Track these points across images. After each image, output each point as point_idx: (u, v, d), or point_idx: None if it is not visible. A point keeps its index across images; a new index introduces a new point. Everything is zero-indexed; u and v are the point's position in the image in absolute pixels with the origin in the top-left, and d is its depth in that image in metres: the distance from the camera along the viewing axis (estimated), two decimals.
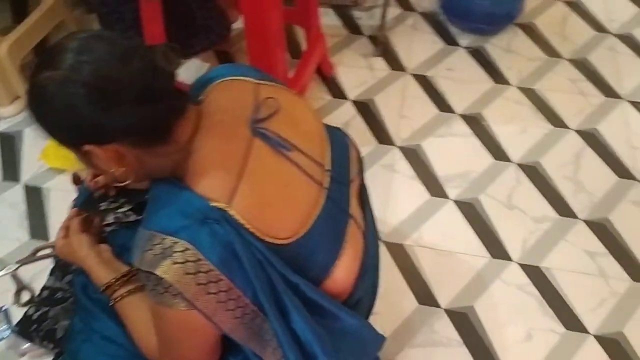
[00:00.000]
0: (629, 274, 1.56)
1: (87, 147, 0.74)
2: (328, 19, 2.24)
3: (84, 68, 0.69)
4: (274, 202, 0.82)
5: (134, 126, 0.73)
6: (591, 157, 1.83)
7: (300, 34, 2.04)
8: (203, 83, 0.92)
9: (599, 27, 2.25)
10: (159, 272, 0.73)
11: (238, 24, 1.98)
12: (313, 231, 0.85)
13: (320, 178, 0.89)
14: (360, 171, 1.06)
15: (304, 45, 1.99)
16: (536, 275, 1.56)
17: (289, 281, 0.82)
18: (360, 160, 1.06)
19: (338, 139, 1.01)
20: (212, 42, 1.81)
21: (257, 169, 0.81)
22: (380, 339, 1.03)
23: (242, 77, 0.92)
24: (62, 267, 1.21)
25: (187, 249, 0.73)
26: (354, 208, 0.98)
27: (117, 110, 0.71)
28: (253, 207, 0.79)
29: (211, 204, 0.75)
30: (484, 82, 2.04)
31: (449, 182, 1.76)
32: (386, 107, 1.96)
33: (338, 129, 1.04)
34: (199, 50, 1.82)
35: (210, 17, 1.75)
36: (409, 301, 1.51)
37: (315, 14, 1.84)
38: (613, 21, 2.27)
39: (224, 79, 0.91)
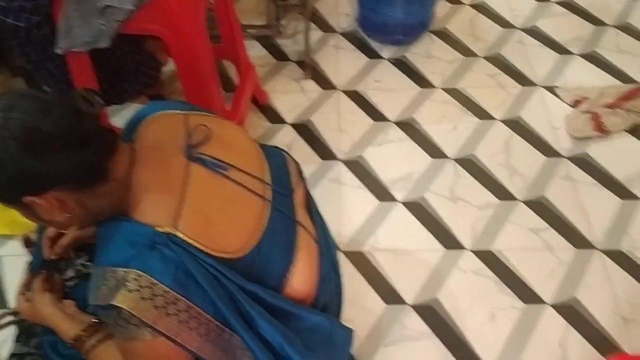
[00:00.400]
0: (571, 243, 1.68)
1: (27, 199, 0.77)
2: (256, 51, 2.31)
3: (11, 124, 0.72)
4: (219, 220, 0.86)
5: (68, 171, 0.76)
6: (519, 143, 1.96)
7: (230, 68, 2.10)
8: (135, 121, 0.97)
9: (505, 23, 2.42)
10: (115, 302, 0.75)
11: (168, 67, 2.02)
12: (263, 242, 0.90)
13: (263, 192, 0.95)
14: (302, 181, 1.12)
15: (236, 79, 2.05)
16: (489, 259, 1.66)
17: (248, 290, 0.85)
18: (299, 171, 1.12)
19: (274, 154, 1.07)
20: (144, 85, 1.84)
21: (197, 191, 0.85)
22: (348, 332, 1.08)
23: (171, 111, 0.97)
24: (27, 331, 1.19)
25: (140, 276, 0.76)
26: (302, 216, 1.03)
27: (50, 158, 0.73)
28: (199, 226, 0.82)
29: (157, 230, 0.79)
30: (411, 88, 2.16)
31: (394, 185, 1.84)
32: (324, 125, 2.03)
33: (273, 146, 1.11)
34: (132, 95, 1.84)
35: (139, 61, 1.78)
36: (377, 303, 1.57)
37: (242, 47, 1.90)
38: (517, 16, 2.45)
39: (154, 115, 0.96)
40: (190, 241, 0.80)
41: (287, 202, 1.02)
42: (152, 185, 0.84)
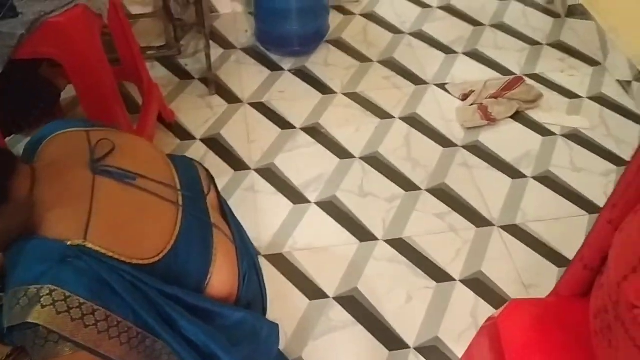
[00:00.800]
0: (472, 222, 1.83)
1: None
2: (158, 71, 2.32)
3: None
4: (131, 228, 0.89)
5: None
6: (418, 137, 2.10)
7: (134, 89, 2.09)
8: (35, 142, 0.97)
9: (394, 29, 2.59)
10: (31, 319, 0.74)
11: (67, 94, 1.99)
12: (178, 245, 0.93)
13: (174, 198, 0.98)
14: (214, 186, 1.16)
15: (140, 100, 2.05)
16: (401, 246, 1.77)
17: (167, 294, 0.88)
18: (210, 177, 1.16)
19: (182, 162, 1.11)
20: (43, 112, 1.81)
21: (105, 202, 0.87)
22: (273, 327, 1.13)
23: (72, 129, 0.98)
24: None
25: (53, 290, 0.76)
26: (216, 218, 1.08)
27: None
28: (110, 236, 0.84)
29: (67, 243, 0.80)
30: (314, 96, 2.26)
31: (306, 188, 1.92)
32: (234, 138, 2.08)
33: (181, 155, 1.14)
34: (32, 122, 1.80)
35: (36, 87, 1.75)
36: (301, 301, 1.63)
37: (143, 68, 1.91)
38: (404, 22, 2.63)
39: (55, 134, 0.97)
40: (103, 251, 0.82)
41: (199, 206, 1.06)
42: (57, 201, 0.84)
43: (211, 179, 1.17)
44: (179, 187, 1.02)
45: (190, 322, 0.90)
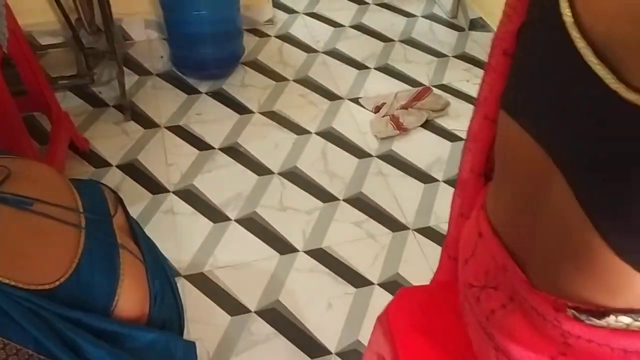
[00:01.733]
0: (388, 228, 1.90)
1: None
2: (71, 101, 2.30)
3: None
4: (29, 253, 0.88)
5: None
6: (334, 150, 2.17)
7: (45, 120, 2.06)
8: None
9: (309, 49, 2.67)
10: None
11: None
12: (81, 268, 0.93)
13: (76, 220, 0.98)
14: (122, 207, 1.17)
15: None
16: (321, 256, 1.81)
17: (69, 318, 0.87)
18: (118, 198, 1.17)
19: (87, 185, 1.11)
20: None
21: (0, 230, 0.87)
22: (190, 346, 1.13)
23: None
24: None
25: None
26: (124, 239, 1.08)
27: None
28: (6, 263, 0.83)
29: None
30: (231, 117, 2.29)
31: (226, 207, 1.94)
32: (151, 162, 2.07)
33: (87, 180, 1.15)
34: None
35: None
36: (222, 318, 1.63)
37: (51, 97, 1.89)
38: (319, 42, 2.72)
39: None
40: (0, 279, 0.82)
41: (105, 227, 1.06)
42: None
43: (119, 200, 1.17)
44: (81, 209, 1.02)
45: (95, 345, 0.89)
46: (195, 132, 2.21)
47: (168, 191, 1.98)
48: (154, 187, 1.99)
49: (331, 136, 2.22)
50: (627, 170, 0.44)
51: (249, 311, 1.65)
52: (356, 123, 2.28)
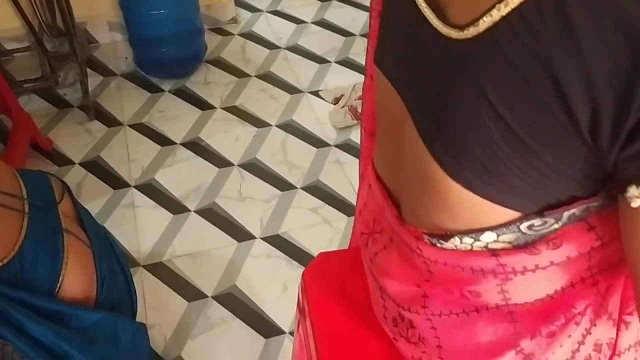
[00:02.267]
0: (343, 212, 1.95)
1: None
2: (36, 103, 2.35)
3: None
4: None
5: None
6: (294, 141, 2.22)
7: (8, 121, 2.11)
8: None
9: (271, 45, 2.73)
10: None
11: None
12: (24, 251, 0.98)
13: (19, 206, 1.04)
14: (69, 194, 1.22)
15: None
16: (278, 241, 1.86)
17: (12, 297, 0.92)
18: (65, 186, 1.22)
19: (33, 174, 1.16)
20: None
21: None
22: (139, 326, 1.18)
23: None
24: None
25: None
26: (69, 224, 1.13)
27: None
28: None
29: None
30: (194, 112, 2.34)
31: (186, 198, 1.99)
32: (113, 159, 2.13)
33: (35, 170, 1.20)
34: None
35: None
36: (180, 304, 1.68)
37: (11, 98, 1.94)
38: (281, 38, 2.78)
39: None
40: None
41: (50, 213, 1.11)
42: None
43: (66, 188, 1.22)
44: (25, 196, 1.07)
45: (37, 323, 0.94)
46: (158, 128, 2.26)
47: (129, 186, 2.03)
48: (116, 182, 2.04)
49: (291, 128, 2.28)
50: (445, 95, 0.51)
51: (205, 296, 1.70)
52: (316, 115, 2.34)
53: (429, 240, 0.62)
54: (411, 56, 0.57)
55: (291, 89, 2.47)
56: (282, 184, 2.05)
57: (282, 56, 2.66)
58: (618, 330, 0.64)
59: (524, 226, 0.55)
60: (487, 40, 0.45)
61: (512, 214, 0.54)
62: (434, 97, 0.53)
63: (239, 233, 1.88)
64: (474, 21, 0.45)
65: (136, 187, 2.03)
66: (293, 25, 2.87)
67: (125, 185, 2.03)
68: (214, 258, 1.81)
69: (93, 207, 1.93)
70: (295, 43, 2.74)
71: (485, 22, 0.44)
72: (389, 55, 0.62)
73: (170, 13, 2.29)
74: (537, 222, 0.54)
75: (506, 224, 0.55)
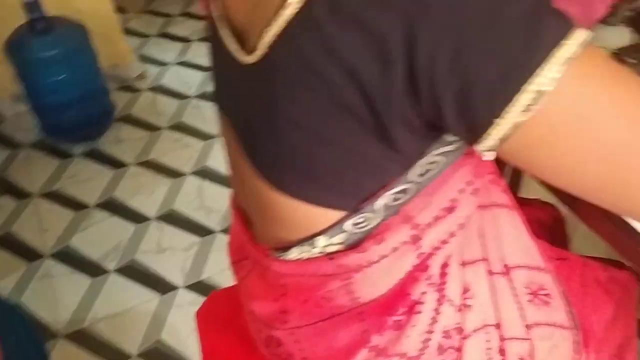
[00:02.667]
0: None
1: None
2: None
3: None
4: None
5: None
6: (210, 186, 2.23)
7: None
8: None
9: (181, 96, 2.75)
10: None
11: None
12: None
13: None
14: None
15: None
16: (201, 288, 1.85)
17: None
18: None
19: None
20: None
21: None
22: None
23: None
24: None
25: None
26: None
27: None
28: None
29: None
30: (107, 172, 2.32)
31: (105, 259, 1.95)
32: (25, 232, 2.07)
33: None
34: None
35: None
36: None
37: None
38: (190, 87, 2.81)
39: None
40: None
41: None
42: None
43: None
44: None
45: None
46: (70, 194, 2.23)
47: (44, 256, 1.98)
48: (30, 255, 1.99)
49: (206, 173, 2.29)
50: (252, 116, 0.56)
51: (129, 356, 1.66)
52: None
53: (274, 254, 0.65)
54: (227, 84, 0.62)
55: (204, 136, 2.49)
56: (201, 230, 2.05)
57: (193, 104, 2.69)
58: (460, 312, 0.68)
59: (348, 224, 0.59)
60: (269, 61, 0.50)
61: (338, 214, 0.58)
62: (247, 120, 0.58)
63: (160, 286, 1.86)
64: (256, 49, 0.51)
65: (52, 255, 1.98)
66: (202, 74, 2.91)
67: (40, 256, 1.98)
68: (137, 315, 1.78)
69: (7, 283, 1.88)
70: (204, 90, 2.78)
71: (261, 48, 0.50)
72: (217, 86, 0.67)
73: (70, 77, 2.28)
74: (358, 218, 0.59)
75: (334, 226, 0.59)
